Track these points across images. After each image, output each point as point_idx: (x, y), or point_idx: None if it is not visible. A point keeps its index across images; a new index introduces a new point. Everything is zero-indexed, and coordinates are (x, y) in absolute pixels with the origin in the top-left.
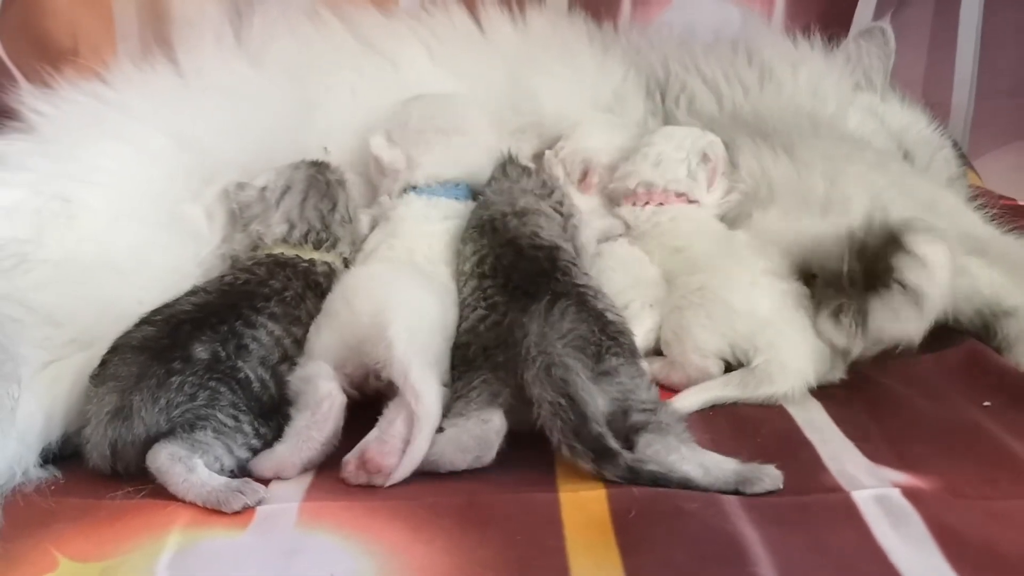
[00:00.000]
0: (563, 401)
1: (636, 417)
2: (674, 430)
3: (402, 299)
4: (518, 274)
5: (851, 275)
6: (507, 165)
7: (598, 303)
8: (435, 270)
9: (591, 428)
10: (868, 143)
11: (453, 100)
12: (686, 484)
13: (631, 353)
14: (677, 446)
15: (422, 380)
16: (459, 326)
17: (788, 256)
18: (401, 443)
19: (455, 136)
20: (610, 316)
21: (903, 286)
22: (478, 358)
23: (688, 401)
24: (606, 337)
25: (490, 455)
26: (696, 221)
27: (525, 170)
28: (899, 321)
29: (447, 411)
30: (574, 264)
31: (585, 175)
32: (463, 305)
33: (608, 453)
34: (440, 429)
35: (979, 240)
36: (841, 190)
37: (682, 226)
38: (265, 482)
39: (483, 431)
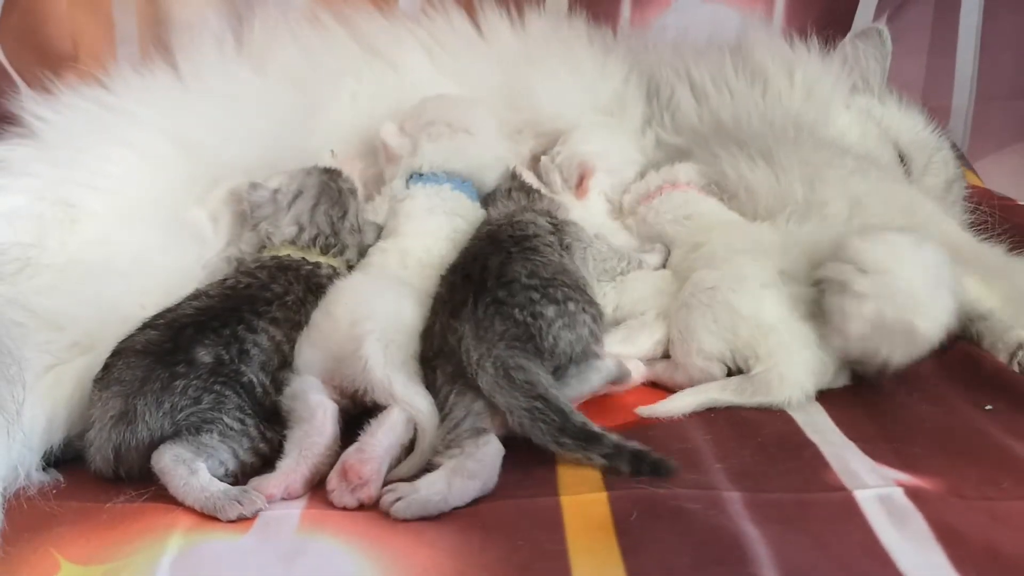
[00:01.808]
0: (539, 405)
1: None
2: None
3: (377, 309)
4: (470, 255)
5: None
6: (512, 189)
7: (525, 271)
8: (426, 274)
9: (574, 421)
10: (848, 150)
11: (470, 104)
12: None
13: (569, 314)
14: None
15: (411, 395)
16: None
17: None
18: (381, 452)
19: (463, 134)
20: (533, 291)
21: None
22: (425, 370)
23: (683, 402)
24: (535, 318)
25: (495, 480)
26: (712, 215)
27: (530, 193)
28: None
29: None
30: (548, 246)
31: (581, 180)
32: None
33: (594, 437)
34: (433, 466)
35: (955, 247)
36: (820, 195)
37: (706, 220)
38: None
39: (483, 454)
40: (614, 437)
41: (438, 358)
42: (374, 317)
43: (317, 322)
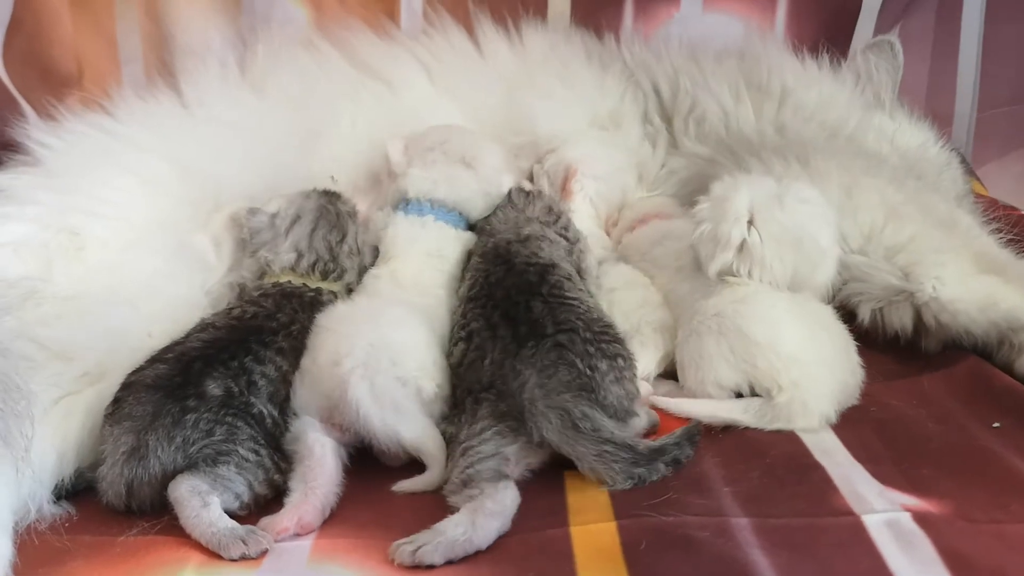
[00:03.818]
0: (609, 448)
1: None
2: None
3: (355, 344)
4: (501, 290)
5: None
6: (512, 193)
7: (580, 322)
8: (425, 292)
9: (640, 451)
10: (885, 160)
11: (477, 138)
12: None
13: (619, 369)
14: None
15: (420, 440)
16: (448, 356)
17: None
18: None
19: (458, 166)
20: (589, 345)
21: None
22: (466, 401)
23: (703, 410)
24: (592, 370)
25: (509, 524)
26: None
27: (529, 196)
28: None
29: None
30: (568, 279)
31: (565, 181)
32: (452, 334)
33: (660, 451)
34: (450, 507)
35: (995, 260)
36: (855, 201)
37: (684, 239)
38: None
39: (502, 496)
40: (673, 440)
41: (488, 392)
42: (352, 353)
43: (306, 367)
